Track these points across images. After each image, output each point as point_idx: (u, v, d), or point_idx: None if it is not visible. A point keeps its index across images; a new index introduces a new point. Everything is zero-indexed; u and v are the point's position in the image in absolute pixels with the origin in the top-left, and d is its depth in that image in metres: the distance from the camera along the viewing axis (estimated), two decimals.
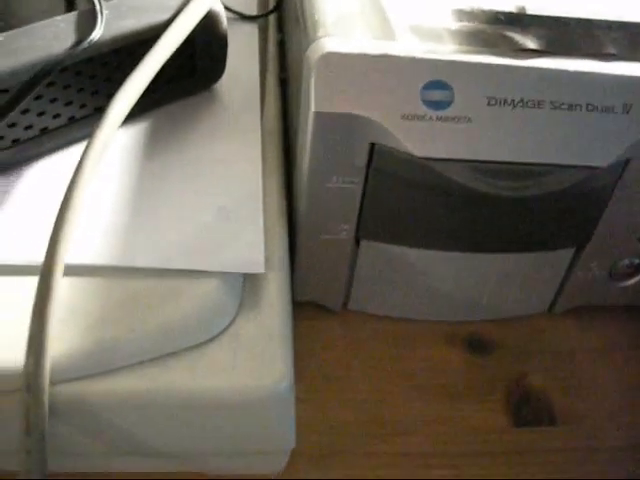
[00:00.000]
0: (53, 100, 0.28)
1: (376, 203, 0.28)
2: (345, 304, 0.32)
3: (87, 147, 0.25)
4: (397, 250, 0.30)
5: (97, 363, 0.23)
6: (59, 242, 0.23)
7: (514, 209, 0.28)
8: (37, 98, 0.28)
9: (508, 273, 0.31)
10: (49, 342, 0.22)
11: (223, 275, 0.25)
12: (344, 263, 0.31)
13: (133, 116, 0.31)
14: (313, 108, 0.26)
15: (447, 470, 0.28)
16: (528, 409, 0.30)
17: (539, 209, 0.28)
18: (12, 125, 0.28)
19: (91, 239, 0.25)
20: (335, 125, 0.26)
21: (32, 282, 0.24)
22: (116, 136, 0.29)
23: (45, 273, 0.22)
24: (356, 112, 0.26)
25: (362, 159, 0.27)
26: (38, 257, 0.25)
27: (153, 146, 0.30)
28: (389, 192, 0.28)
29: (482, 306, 0.32)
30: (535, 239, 0.30)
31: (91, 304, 0.24)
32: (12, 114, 0.27)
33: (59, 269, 0.22)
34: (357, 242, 0.30)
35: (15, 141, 0.28)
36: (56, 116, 0.29)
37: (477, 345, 0.32)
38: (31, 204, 0.27)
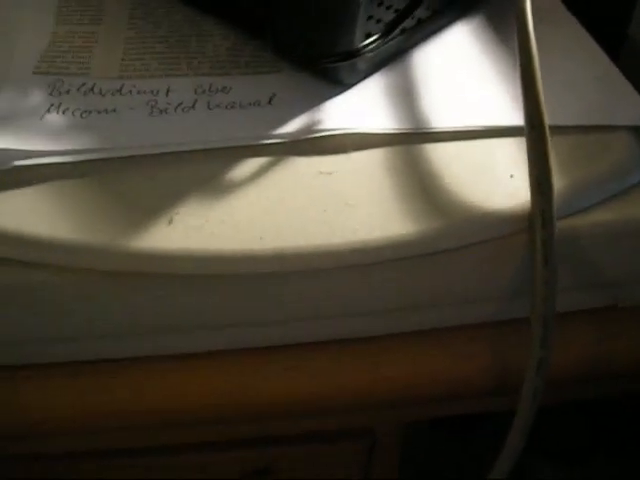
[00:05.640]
0: None
1: None
2: None
3: (520, 19, 0.28)
4: None
5: (569, 204, 0.27)
6: (538, 95, 0.27)
7: None
8: None
9: None
10: (554, 183, 0.26)
11: (628, 129, 0.29)
12: None
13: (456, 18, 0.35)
14: None
15: None
16: None
17: None
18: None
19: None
20: None
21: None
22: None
23: (537, 125, 0.26)
24: None
25: None
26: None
27: (492, 39, 0.34)
28: None
29: None
30: None
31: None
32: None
33: (546, 123, 0.26)
34: None
35: (403, 30, 0.31)
36: (427, 7, 0.32)
37: None
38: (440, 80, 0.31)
